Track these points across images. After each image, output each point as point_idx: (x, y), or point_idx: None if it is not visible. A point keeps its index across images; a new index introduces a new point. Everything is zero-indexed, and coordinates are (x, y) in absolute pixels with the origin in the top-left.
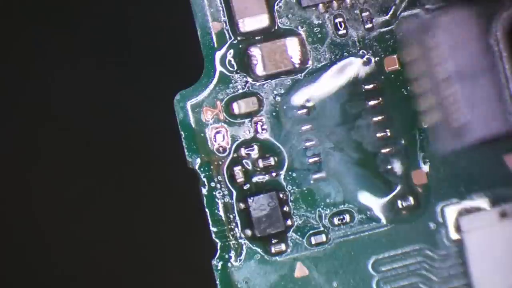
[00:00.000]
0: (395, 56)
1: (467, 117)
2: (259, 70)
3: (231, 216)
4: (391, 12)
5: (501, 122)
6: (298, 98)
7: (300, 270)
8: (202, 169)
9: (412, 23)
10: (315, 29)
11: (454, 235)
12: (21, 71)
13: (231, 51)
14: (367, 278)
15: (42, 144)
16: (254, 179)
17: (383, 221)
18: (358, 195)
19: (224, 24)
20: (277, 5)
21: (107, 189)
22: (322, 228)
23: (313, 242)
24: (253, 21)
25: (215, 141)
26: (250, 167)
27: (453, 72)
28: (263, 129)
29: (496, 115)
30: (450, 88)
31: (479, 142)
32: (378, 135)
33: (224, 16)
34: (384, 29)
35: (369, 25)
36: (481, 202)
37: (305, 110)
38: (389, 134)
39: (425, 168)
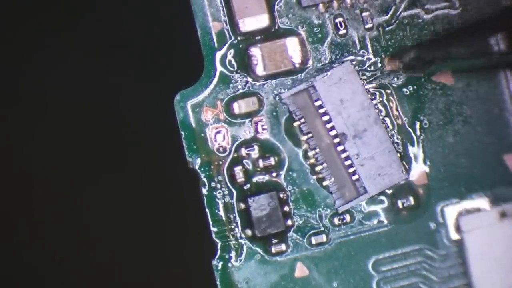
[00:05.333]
0: None
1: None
2: (259, 70)
3: (231, 216)
4: (391, 12)
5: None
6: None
7: (301, 270)
8: (202, 169)
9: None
10: (315, 29)
11: (454, 235)
12: (20, 71)
13: (231, 51)
14: (367, 278)
15: (41, 145)
16: (254, 179)
17: (383, 221)
18: None
19: (224, 24)
20: (277, 5)
21: (107, 189)
22: (322, 228)
23: (313, 242)
24: (253, 21)
25: (215, 141)
26: (250, 167)
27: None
28: (263, 129)
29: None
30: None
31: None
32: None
33: (224, 16)
34: (384, 29)
35: (369, 25)
36: (481, 202)
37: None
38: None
39: (425, 168)
